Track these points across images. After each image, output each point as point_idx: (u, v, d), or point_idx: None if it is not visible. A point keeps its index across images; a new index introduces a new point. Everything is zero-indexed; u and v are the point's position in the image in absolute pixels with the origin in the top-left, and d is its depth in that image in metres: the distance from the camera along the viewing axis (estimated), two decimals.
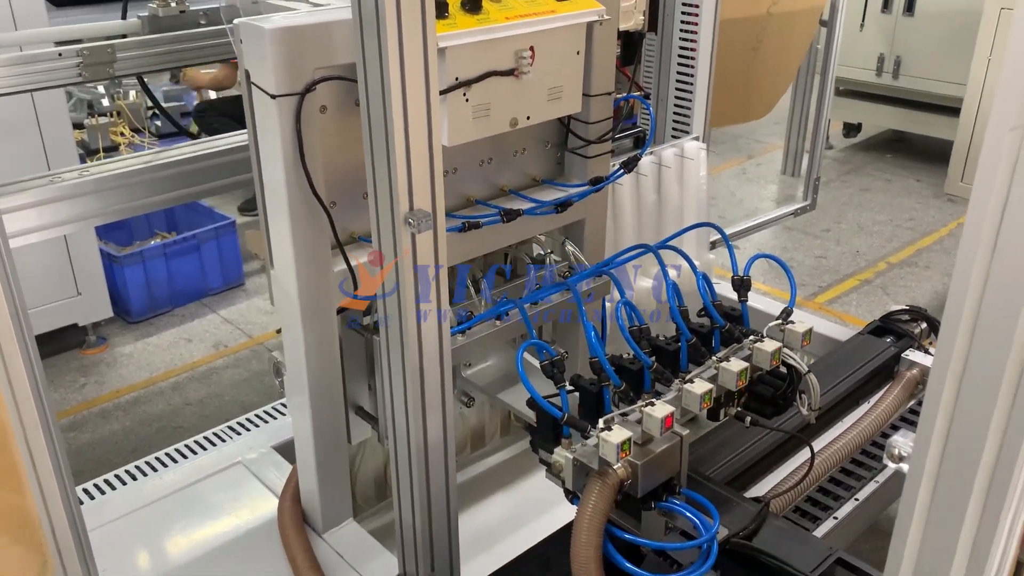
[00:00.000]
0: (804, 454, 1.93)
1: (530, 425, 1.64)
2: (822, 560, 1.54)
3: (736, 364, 1.60)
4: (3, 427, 0.99)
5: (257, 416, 2.43)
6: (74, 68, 1.96)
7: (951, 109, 5.24)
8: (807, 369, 1.62)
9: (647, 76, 2.99)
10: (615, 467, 1.41)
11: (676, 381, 1.59)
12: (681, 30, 2.81)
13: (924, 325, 2.52)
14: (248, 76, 1.61)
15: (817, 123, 3.69)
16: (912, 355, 2.31)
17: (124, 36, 2.24)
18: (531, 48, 1.71)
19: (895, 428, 2.31)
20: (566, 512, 1.86)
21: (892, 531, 2.49)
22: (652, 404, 1.45)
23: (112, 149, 5.12)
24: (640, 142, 2.71)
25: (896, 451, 1.19)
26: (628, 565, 1.44)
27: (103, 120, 5.13)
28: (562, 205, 2.05)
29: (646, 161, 2.69)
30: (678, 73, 2.87)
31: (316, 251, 1.72)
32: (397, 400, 1.54)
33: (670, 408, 1.45)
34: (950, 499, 0.85)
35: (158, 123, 5.69)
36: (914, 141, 6.09)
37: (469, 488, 2.27)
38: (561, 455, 1.46)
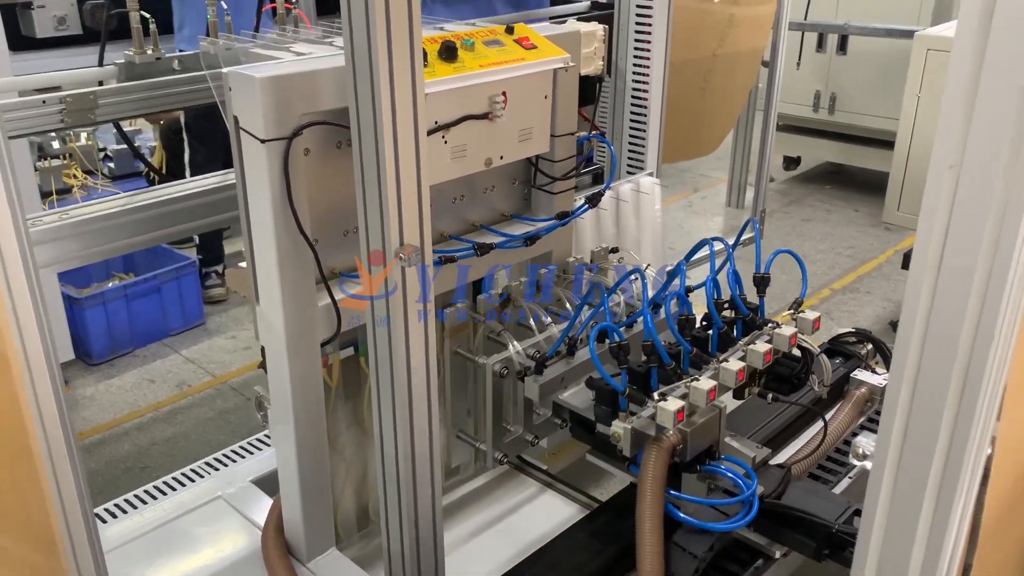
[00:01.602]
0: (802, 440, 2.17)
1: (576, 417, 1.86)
2: (843, 511, 1.72)
3: (761, 346, 1.86)
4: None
5: (233, 452, 2.47)
6: (56, 115, 2.02)
7: (884, 142, 5.51)
8: (819, 351, 1.81)
9: (601, 116, 3.13)
10: (669, 433, 1.65)
11: (712, 361, 1.85)
12: (634, 72, 2.96)
13: (870, 346, 2.67)
14: (236, 122, 1.68)
15: (762, 158, 3.89)
16: (860, 375, 2.45)
17: (100, 83, 2.30)
18: (503, 93, 1.83)
19: (847, 443, 2.44)
20: (538, 535, 2.00)
21: None
22: (696, 380, 1.73)
23: (65, 191, 5.12)
24: (599, 179, 2.85)
25: (860, 450, 1.32)
26: (685, 517, 1.74)
27: (55, 163, 5.12)
28: (531, 239, 2.16)
29: (605, 196, 2.82)
30: (632, 113, 3.02)
31: (301, 286, 1.79)
32: (386, 424, 1.62)
33: (713, 382, 1.73)
34: (909, 487, 0.96)
35: (111, 165, 5.70)
36: (851, 173, 6.37)
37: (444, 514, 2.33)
38: (619, 426, 1.70)
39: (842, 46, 5.61)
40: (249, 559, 2.07)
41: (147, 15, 2.28)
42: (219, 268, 4.59)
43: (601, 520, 2.04)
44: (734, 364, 1.82)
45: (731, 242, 3.83)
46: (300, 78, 1.66)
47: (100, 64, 2.31)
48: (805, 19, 5.63)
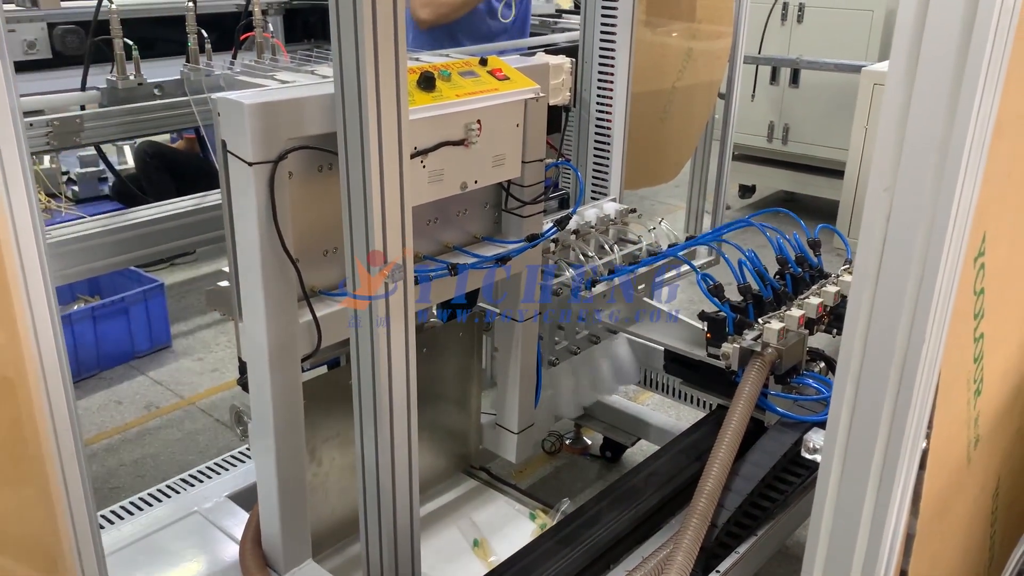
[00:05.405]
0: None
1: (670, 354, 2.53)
2: None
3: (832, 288, 2.39)
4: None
5: (208, 468, 2.52)
6: (43, 137, 2.08)
7: (835, 171, 5.73)
8: None
9: (566, 145, 3.26)
10: (771, 349, 2.09)
11: (795, 299, 2.35)
12: (597, 102, 3.09)
13: (823, 364, 2.81)
14: (224, 145, 1.76)
15: (719, 185, 4.05)
16: None
17: (82, 107, 2.37)
18: (478, 121, 1.93)
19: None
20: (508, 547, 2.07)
21: (799, 555, 2.79)
22: (789, 310, 2.24)
23: None
24: (564, 204, 2.96)
25: (811, 444, 1.43)
26: (783, 411, 2.23)
27: None
28: (502, 259, 2.26)
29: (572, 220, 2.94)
30: (596, 141, 3.15)
31: (284, 303, 1.87)
32: (367, 432, 1.70)
33: (802, 311, 2.23)
34: (855, 475, 1.07)
35: (75, 188, 5.71)
36: (803, 201, 6.58)
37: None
38: (729, 346, 2.16)
39: (794, 79, 5.83)
40: (227, 571, 2.12)
41: (130, 42, 2.36)
42: None
43: (570, 528, 2.13)
44: (814, 300, 2.34)
45: (698, 263, 3.99)
46: (286, 105, 1.75)
47: (83, 88, 2.37)
48: (759, 53, 5.84)
